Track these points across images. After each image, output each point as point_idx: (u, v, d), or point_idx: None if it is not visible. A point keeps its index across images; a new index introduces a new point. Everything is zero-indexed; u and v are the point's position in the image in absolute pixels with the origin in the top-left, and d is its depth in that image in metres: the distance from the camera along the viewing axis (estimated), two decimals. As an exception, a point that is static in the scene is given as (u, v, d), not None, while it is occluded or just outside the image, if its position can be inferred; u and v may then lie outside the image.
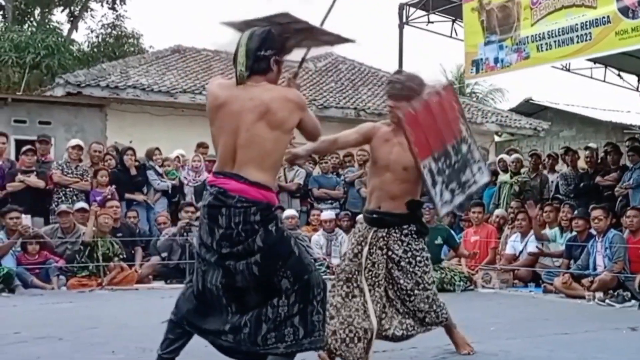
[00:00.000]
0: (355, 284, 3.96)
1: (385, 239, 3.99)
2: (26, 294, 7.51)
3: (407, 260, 3.98)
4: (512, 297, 7.84)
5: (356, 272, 3.98)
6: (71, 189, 9.16)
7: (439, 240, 8.38)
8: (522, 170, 10.02)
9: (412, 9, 12.70)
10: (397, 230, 3.99)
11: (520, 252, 8.69)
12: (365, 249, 3.97)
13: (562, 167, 10.37)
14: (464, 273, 8.40)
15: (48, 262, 8.14)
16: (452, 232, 8.94)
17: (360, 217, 4.38)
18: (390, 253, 3.98)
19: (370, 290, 3.93)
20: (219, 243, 3.19)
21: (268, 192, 3.23)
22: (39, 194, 9.08)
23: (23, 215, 8.26)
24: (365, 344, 3.87)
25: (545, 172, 10.17)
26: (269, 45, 3.32)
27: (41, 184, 9.03)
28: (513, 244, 8.79)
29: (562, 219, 8.67)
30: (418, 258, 4.01)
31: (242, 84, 3.29)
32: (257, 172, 3.19)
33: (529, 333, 5.31)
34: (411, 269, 3.99)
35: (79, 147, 9.60)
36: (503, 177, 10.09)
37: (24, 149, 9.25)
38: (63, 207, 8.71)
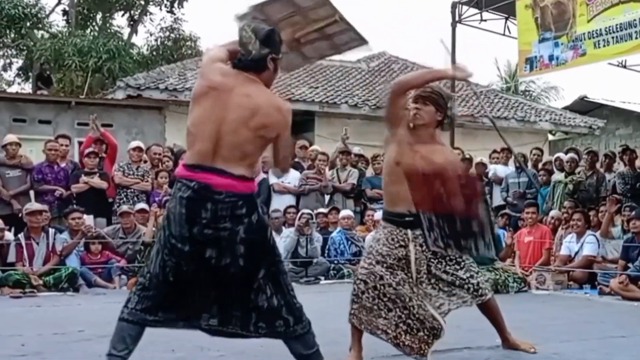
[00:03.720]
0: (402, 275, 3.97)
1: (423, 236, 4.01)
2: (90, 293, 7.75)
3: None
4: (567, 298, 7.72)
5: (396, 266, 3.98)
6: (132, 190, 9.42)
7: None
8: (577, 170, 9.86)
9: (464, 7, 12.62)
10: None
11: (576, 253, 8.56)
12: (411, 246, 3.99)
13: (618, 166, 10.16)
14: (518, 274, 8.32)
15: (110, 262, 8.35)
16: (500, 235, 8.88)
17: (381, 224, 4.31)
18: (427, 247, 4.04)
19: (415, 286, 3.98)
20: (200, 232, 3.14)
21: (252, 183, 3.24)
22: (101, 194, 9.38)
23: (85, 216, 8.51)
24: (425, 333, 3.95)
25: (602, 170, 9.99)
26: (268, 43, 3.26)
27: (104, 185, 9.30)
28: (568, 244, 8.64)
29: (624, 220, 8.50)
30: None
31: (238, 73, 3.24)
32: (240, 168, 3.16)
33: (585, 335, 5.25)
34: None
35: (139, 149, 9.86)
36: (558, 176, 9.95)
37: (86, 151, 9.54)
38: (124, 207, 8.93)
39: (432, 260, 4.05)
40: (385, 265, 4.00)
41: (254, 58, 3.24)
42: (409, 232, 4.00)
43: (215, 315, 3.24)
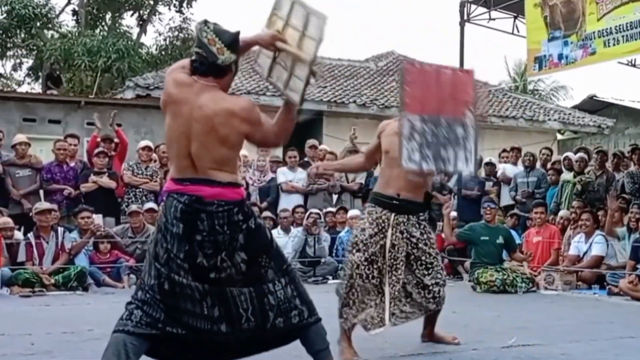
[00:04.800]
0: (375, 266, 4.21)
1: (405, 224, 4.26)
2: (99, 292, 7.77)
3: (424, 242, 4.30)
4: (575, 299, 7.70)
5: (379, 254, 4.22)
6: (141, 190, 9.45)
7: (500, 240, 8.27)
8: (587, 170, 9.80)
9: (473, 6, 12.60)
10: (414, 216, 4.29)
11: (585, 253, 8.52)
12: (389, 232, 4.22)
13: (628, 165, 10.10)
14: (526, 274, 8.29)
15: (119, 261, 8.36)
16: (513, 234, 8.83)
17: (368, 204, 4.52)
18: (408, 236, 4.26)
19: (389, 272, 4.20)
20: (201, 245, 3.11)
21: (240, 189, 3.25)
22: (110, 194, 9.40)
23: (94, 215, 8.54)
24: (378, 318, 4.17)
25: (611, 170, 9.92)
26: (234, 48, 3.17)
27: (113, 184, 9.34)
28: (577, 244, 8.61)
29: (631, 220, 8.45)
30: (432, 240, 4.37)
31: (193, 82, 3.14)
32: (223, 174, 3.15)
33: (593, 336, 5.24)
34: (427, 250, 4.31)
35: (148, 148, 9.88)
36: (566, 175, 9.90)
37: (95, 151, 9.57)
38: (133, 207, 8.95)
39: (404, 260, 4.24)
40: (366, 254, 4.21)
41: (224, 63, 3.16)
42: (392, 216, 4.23)
43: (226, 331, 3.20)
